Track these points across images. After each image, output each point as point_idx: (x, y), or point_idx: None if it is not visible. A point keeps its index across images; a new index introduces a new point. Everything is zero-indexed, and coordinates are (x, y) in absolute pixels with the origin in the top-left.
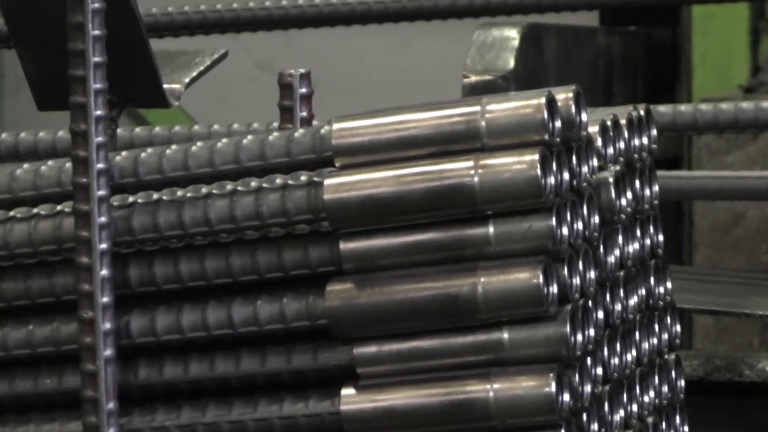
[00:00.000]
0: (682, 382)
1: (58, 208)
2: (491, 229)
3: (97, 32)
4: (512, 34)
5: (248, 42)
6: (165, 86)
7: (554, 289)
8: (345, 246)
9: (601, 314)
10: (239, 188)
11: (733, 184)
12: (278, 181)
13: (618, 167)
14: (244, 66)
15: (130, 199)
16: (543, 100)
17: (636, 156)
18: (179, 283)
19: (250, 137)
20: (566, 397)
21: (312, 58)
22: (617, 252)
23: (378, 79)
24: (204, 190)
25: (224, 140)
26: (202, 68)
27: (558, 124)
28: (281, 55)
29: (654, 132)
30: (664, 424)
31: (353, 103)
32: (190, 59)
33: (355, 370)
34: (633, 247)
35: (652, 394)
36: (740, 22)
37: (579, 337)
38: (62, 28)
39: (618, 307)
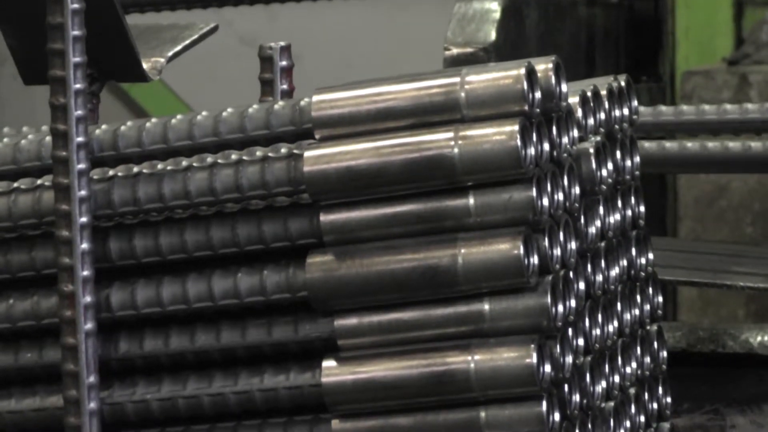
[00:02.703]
0: (665, 353)
1: (38, 182)
2: (471, 200)
3: (75, 5)
4: (493, 7)
5: (231, 17)
6: (148, 60)
7: (535, 260)
8: (325, 218)
9: (582, 285)
10: (219, 161)
11: (716, 155)
12: (258, 153)
13: (599, 138)
14: (227, 41)
15: (110, 172)
16: (522, 71)
17: (617, 127)
18: (159, 256)
19: (229, 110)
20: (547, 368)
21: (295, 32)
22: (598, 223)
23: (361, 52)
24: (184, 163)
25: (204, 113)
26: (187, 42)
27: (538, 94)
28: (265, 30)
29: (635, 103)
30: (646, 395)
31: (337, 76)
32: (177, 33)
33: (336, 342)
34: (614, 217)
35: (634, 365)
36: (722, 2)
37: (560, 308)
38: (42, 2)
39: (599, 277)
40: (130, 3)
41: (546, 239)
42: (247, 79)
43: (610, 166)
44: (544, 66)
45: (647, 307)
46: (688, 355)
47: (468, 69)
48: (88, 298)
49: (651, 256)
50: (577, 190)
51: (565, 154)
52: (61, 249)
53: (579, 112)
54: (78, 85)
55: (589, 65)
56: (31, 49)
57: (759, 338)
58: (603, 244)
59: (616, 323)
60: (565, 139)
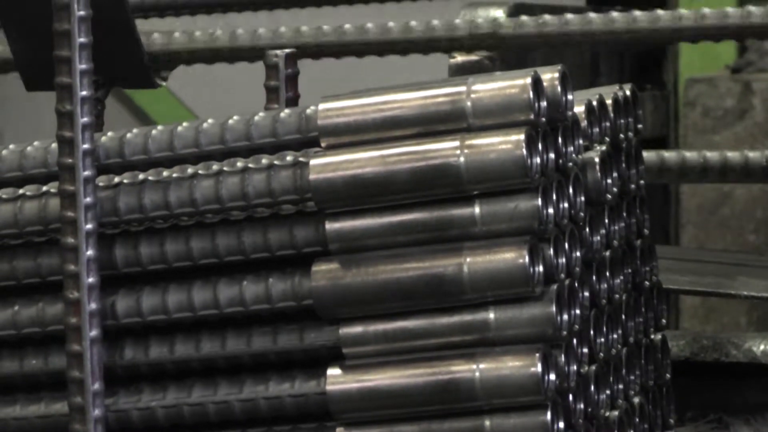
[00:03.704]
0: (669, 362)
1: (44, 188)
2: (477, 209)
3: (82, 13)
4: (499, 14)
5: (235, 23)
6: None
7: (540, 269)
8: (331, 226)
9: (587, 294)
10: (225, 168)
11: (715, 165)
12: (264, 161)
13: (604, 147)
14: None
15: (116, 179)
16: (529, 80)
17: (622, 136)
18: (165, 263)
19: (235, 117)
20: (552, 377)
21: None
22: (603, 232)
23: (364, 58)
24: (190, 170)
25: (210, 121)
26: None
27: (544, 104)
28: None
29: (640, 112)
30: (650, 404)
31: (340, 83)
32: None
33: (341, 351)
34: (619, 227)
35: (638, 374)
36: (727, 2)
37: (565, 317)
38: (49, 8)
39: (604, 287)
40: (134, 9)
41: (551, 248)
42: (250, 85)
43: (615, 175)
44: (550, 75)
45: (651, 315)
46: (691, 364)
47: (474, 78)
48: (93, 305)
49: (656, 264)
50: (582, 199)
51: (571, 164)
52: (67, 256)
53: (585, 122)
54: (84, 93)
55: (593, 73)
56: (34, 55)
57: (762, 347)
58: (608, 253)
59: (620, 332)
60: (570, 149)
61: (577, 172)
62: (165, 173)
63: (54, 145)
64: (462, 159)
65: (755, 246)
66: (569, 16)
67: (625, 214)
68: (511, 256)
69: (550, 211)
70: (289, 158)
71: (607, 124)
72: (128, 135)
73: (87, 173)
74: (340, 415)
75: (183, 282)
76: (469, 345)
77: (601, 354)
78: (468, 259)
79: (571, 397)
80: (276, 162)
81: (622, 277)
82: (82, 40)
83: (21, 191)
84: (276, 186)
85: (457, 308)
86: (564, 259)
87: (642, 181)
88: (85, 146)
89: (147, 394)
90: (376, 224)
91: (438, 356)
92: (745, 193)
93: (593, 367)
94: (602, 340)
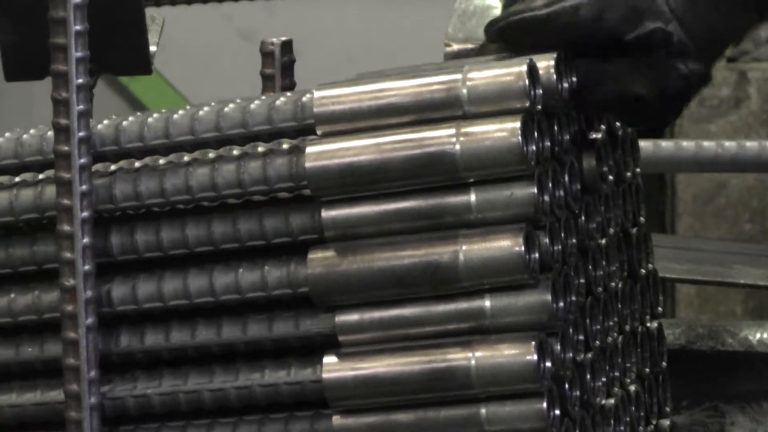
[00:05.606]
0: (665, 350)
1: (40, 176)
2: (473, 197)
3: (77, 0)
4: (494, 2)
5: (231, 12)
6: None
7: (536, 256)
8: (326, 214)
9: (582, 282)
10: (221, 155)
11: (715, 155)
12: (260, 148)
13: (600, 135)
14: (226, 36)
15: (112, 167)
16: (524, 68)
17: (618, 124)
18: (161, 251)
19: (231, 105)
20: (548, 364)
21: (295, 27)
22: (599, 220)
23: (361, 47)
24: (185, 158)
25: (205, 108)
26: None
27: (539, 91)
28: (264, 25)
29: None
30: (646, 391)
31: (336, 71)
32: None
33: (337, 338)
34: (614, 214)
35: (634, 361)
36: None
37: (561, 304)
38: None
39: (600, 274)
40: None
41: (547, 236)
42: (245, 74)
43: (611, 163)
44: (545, 63)
45: (647, 304)
46: (687, 352)
47: (470, 65)
48: (89, 293)
49: (652, 253)
50: (578, 187)
51: (567, 151)
52: (63, 243)
53: None
54: (80, 80)
55: None
56: (19, 44)
57: (758, 335)
58: (604, 241)
59: (616, 320)
60: (566, 136)
61: (572, 159)
62: (161, 161)
63: (50, 133)
64: (458, 146)
65: (751, 235)
66: None
67: (621, 202)
68: (506, 244)
69: (546, 198)
70: (284, 146)
71: None
72: (124, 122)
73: (83, 161)
74: (335, 403)
75: (179, 269)
76: (464, 333)
77: (597, 342)
78: (463, 247)
79: (567, 384)
80: (272, 149)
81: (617, 265)
82: (77, 27)
83: (17, 179)
84: (272, 173)
85: (453, 296)
86: (560, 247)
87: (638, 169)
88: (81, 134)
89: (142, 381)
90: (371, 212)
91: (434, 344)
92: (741, 182)
93: (589, 355)
94: (598, 327)
